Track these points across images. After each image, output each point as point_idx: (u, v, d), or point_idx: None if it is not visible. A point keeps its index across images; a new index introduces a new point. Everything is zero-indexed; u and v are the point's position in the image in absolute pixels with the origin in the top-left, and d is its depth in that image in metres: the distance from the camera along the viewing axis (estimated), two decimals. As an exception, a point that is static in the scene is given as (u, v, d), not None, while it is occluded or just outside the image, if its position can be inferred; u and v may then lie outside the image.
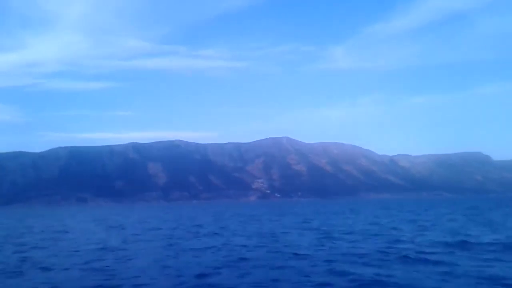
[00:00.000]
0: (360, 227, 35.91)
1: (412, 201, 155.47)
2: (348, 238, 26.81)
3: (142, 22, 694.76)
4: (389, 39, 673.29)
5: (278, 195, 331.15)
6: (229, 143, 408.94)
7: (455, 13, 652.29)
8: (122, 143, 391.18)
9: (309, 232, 32.39)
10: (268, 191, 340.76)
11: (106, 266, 18.30)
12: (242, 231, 35.13)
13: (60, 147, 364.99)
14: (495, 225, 34.70)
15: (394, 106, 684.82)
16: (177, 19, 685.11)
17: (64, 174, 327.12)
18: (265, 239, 27.45)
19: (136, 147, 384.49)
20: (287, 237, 29.08)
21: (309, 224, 40.78)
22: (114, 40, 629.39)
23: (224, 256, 20.60)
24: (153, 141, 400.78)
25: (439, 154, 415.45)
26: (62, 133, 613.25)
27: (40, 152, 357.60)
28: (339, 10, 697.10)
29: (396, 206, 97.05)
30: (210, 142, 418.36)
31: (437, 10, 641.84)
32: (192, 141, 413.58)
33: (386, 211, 69.78)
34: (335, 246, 23.27)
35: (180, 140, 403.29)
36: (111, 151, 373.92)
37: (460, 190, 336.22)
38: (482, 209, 69.70)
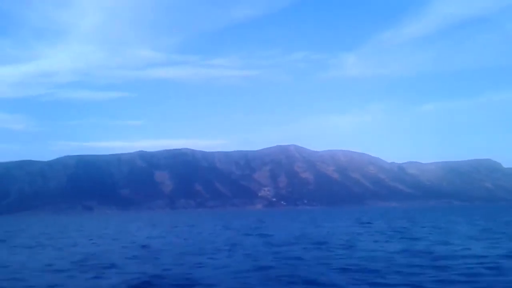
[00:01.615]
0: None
1: (401, 211, 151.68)
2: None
3: (154, 32, 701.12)
4: (400, 46, 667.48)
5: (284, 203, 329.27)
6: (236, 151, 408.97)
7: (465, 20, 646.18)
8: (130, 152, 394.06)
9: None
10: (274, 199, 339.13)
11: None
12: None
13: (68, 156, 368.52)
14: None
15: (404, 113, 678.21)
16: (189, 29, 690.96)
17: (71, 182, 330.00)
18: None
19: (144, 156, 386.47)
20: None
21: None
22: (126, 50, 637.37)
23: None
24: (162, 149, 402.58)
25: (449, 162, 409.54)
26: (72, 142, 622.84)
27: (48, 161, 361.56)
28: (350, 18, 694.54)
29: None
30: (219, 150, 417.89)
31: (448, 17, 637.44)
32: (201, 149, 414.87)
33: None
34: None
35: (187, 148, 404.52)
36: (118, 160, 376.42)
37: (469, 198, 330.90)
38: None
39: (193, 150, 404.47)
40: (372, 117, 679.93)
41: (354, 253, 22.67)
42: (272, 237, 34.03)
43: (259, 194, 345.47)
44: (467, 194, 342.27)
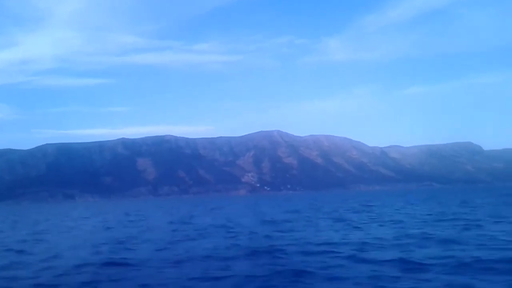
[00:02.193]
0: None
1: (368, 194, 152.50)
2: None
3: (135, 17, 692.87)
4: (383, 30, 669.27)
5: (268, 189, 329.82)
6: (219, 137, 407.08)
7: (448, 4, 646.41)
8: (112, 139, 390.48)
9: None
10: (258, 185, 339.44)
11: None
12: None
13: (48, 144, 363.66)
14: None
15: (386, 97, 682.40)
16: (170, 14, 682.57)
17: (52, 170, 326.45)
18: None
19: (126, 143, 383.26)
20: None
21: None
22: (107, 36, 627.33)
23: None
24: (145, 136, 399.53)
25: (430, 145, 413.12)
26: (54, 130, 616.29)
27: (28, 149, 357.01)
28: (333, 2, 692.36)
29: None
30: (202, 136, 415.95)
31: (431, 1, 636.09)
32: (185, 136, 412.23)
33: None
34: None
35: (170, 135, 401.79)
36: (100, 147, 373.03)
37: (450, 180, 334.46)
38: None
39: (176, 136, 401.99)
40: (355, 101, 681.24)
41: (245, 242, 22.26)
42: (193, 225, 33.58)
43: (243, 180, 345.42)
44: (448, 177, 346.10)
